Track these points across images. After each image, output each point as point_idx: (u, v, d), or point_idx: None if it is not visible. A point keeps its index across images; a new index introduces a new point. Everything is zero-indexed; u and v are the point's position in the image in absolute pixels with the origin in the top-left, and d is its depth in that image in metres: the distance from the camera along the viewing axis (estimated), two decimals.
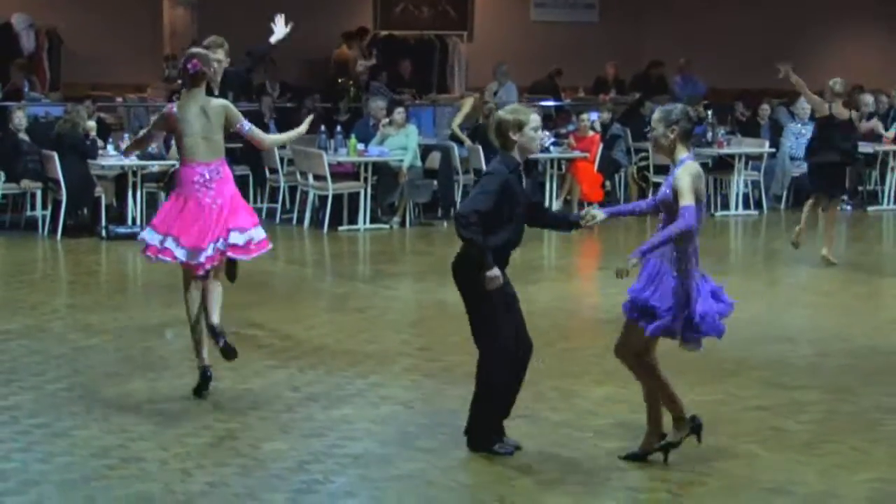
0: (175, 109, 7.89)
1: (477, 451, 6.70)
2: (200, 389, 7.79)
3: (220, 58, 8.89)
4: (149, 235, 7.85)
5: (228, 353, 7.71)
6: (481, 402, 6.70)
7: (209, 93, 8.14)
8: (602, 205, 17.04)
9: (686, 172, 6.44)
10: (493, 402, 6.69)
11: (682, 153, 6.56)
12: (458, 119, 17.08)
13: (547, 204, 16.39)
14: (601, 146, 17.15)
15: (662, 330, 6.41)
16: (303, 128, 8.37)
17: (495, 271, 6.48)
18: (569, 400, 7.83)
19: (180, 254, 7.72)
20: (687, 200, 6.37)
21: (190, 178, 7.78)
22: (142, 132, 8.60)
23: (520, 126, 6.61)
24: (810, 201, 13.17)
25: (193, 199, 7.75)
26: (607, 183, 17.76)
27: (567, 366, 8.71)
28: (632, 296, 6.49)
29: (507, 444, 6.74)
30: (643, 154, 17.63)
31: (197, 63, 7.87)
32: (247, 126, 8.04)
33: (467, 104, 17.40)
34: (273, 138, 9.02)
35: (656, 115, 6.68)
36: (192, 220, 7.73)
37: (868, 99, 16.24)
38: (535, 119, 6.66)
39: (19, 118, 14.91)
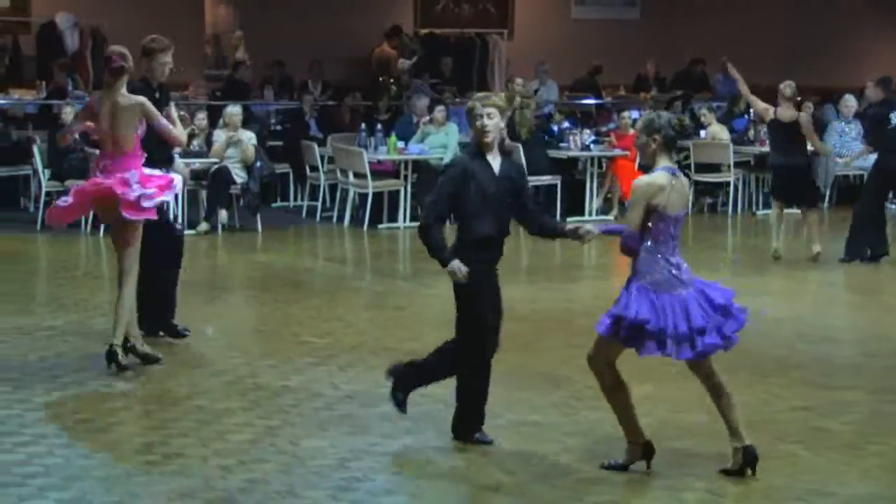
0: (94, 101, 8.40)
1: (463, 440, 6.79)
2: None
3: (166, 60, 8.94)
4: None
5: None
6: (468, 388, 6.81)
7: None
8: None
9: (641, 184, 6.31)
10: (481, 383, 6.81)
11: (662, 163, 6.36)
12: None
13: (587, 202, 16.39)
14: None
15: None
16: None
17: (453, 265, 6.62)
18: None
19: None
20: (629, 216, 6.32)
21: (95, 165, 8.43)
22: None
23: (469, 112, 6.73)
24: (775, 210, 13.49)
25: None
26: None
27: None
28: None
29: (485, 434, 6.85)
30: (685, 153, 17.54)
31: (117, 59, 8.27)
32: (161, 123, 8.43)
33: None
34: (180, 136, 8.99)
35: (639, 124, 6.56)
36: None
37: None
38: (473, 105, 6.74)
39: (67, 114, 15.02)
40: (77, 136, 9.08)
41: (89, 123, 8.47)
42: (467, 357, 6.77)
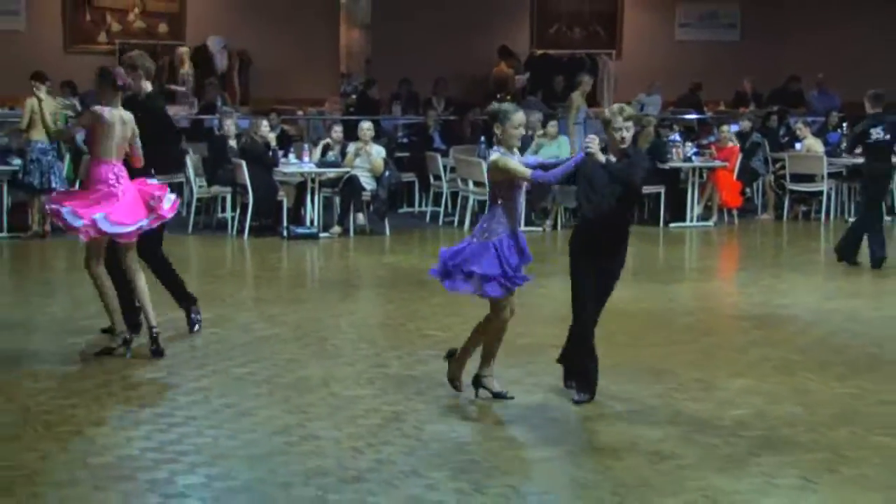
0: (104, 112, 8.22)
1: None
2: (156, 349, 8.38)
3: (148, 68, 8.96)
4: (74, 220, 8.11)
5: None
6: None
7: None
8: (741, 211, 16.83)
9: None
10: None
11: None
12: (573, 117, 17.19)
13: (689, 209, 16.23)
14: (741, 155, 16.91)
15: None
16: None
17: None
18: (709, 391, 7.70)
19: (106, 227, 8.11)
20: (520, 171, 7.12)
21: (105, 174, 8.21)
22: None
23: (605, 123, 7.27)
24: None
25: (107, 190, 8.18)
26: (747, 190, 17.49)
27: (708, 359, 8.58)
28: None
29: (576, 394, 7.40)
30: (780, 163, 17.30)
31: (123, 74, 8.38)
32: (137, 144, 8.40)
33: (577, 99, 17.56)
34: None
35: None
36: (113, 202, 8.16)
37: None
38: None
39: (228, 125, 15.28)
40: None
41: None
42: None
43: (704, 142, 17.81)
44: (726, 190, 16.47)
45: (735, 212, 16.67)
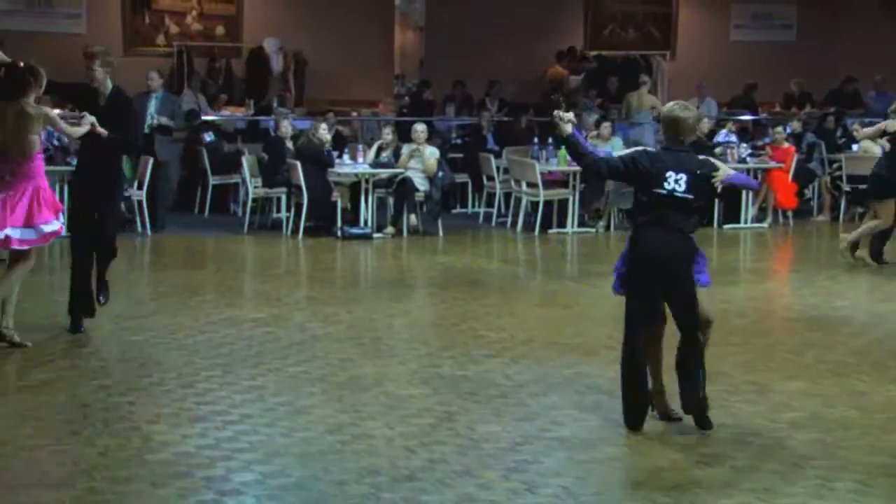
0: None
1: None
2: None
3: (94, 67, 9.05)
4: None
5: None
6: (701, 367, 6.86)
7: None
8: (796, 212, 16.68)
9: None
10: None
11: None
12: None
13: (743, 210, 16.11)
14: (796, 157, 16.77)
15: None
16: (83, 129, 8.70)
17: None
18: (763, 393, 7.64)
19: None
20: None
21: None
22: None
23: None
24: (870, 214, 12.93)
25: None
26: (805, 191, 17.35)
27: (762, 361, 8.51)
28: None
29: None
30: (837, 164, 17.13)
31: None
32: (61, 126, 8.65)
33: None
34: (75, 130, 8.89)
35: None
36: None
37: None
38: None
39: (285, 126, 15.38)
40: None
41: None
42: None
43: (759, 143, 17.68)
44: (781, 191, 16.33)
45: (790, 213, 16.53)
